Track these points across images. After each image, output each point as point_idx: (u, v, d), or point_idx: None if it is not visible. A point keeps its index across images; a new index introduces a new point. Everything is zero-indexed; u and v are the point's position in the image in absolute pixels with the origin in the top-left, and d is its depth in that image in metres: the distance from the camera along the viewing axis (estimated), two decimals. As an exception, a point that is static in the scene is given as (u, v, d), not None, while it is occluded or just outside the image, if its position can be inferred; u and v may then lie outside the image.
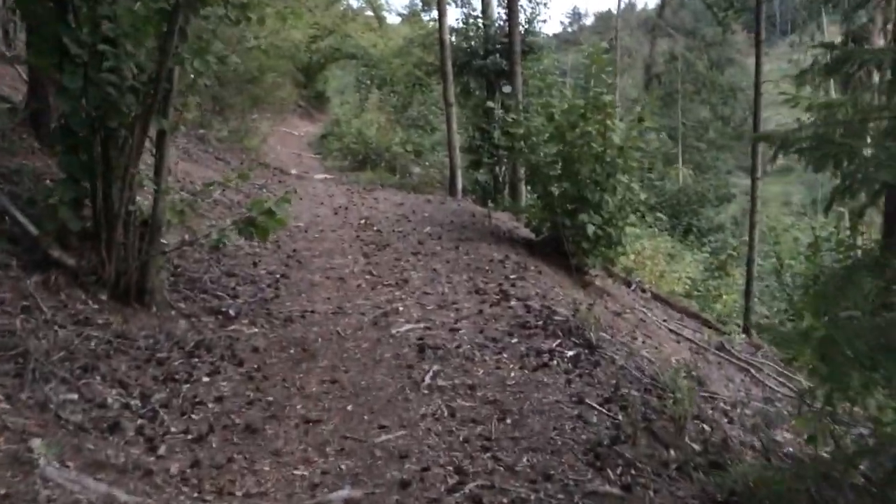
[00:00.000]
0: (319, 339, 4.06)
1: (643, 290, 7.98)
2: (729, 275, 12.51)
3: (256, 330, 4.10)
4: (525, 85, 9.41)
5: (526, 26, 11.70)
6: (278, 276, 5.16)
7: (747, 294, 9.13)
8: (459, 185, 10.18)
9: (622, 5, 23.70)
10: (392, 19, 29.30)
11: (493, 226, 7.58)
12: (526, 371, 3.73)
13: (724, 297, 9.95)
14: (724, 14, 23.92)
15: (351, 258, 5.93)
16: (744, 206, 31.06)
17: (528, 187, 6.90)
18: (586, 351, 4.06)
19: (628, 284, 7.69)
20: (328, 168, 14.02)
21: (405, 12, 26.20)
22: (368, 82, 21.13)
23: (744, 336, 7.33)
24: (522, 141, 6.81)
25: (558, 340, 4.14)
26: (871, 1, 21.96)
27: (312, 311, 4.50)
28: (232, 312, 4.24)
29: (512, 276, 5.48)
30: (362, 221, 7.47)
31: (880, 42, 21.37)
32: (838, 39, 25.19)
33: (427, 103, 19.84)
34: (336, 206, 8.30)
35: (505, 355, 3.91)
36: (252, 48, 11.05)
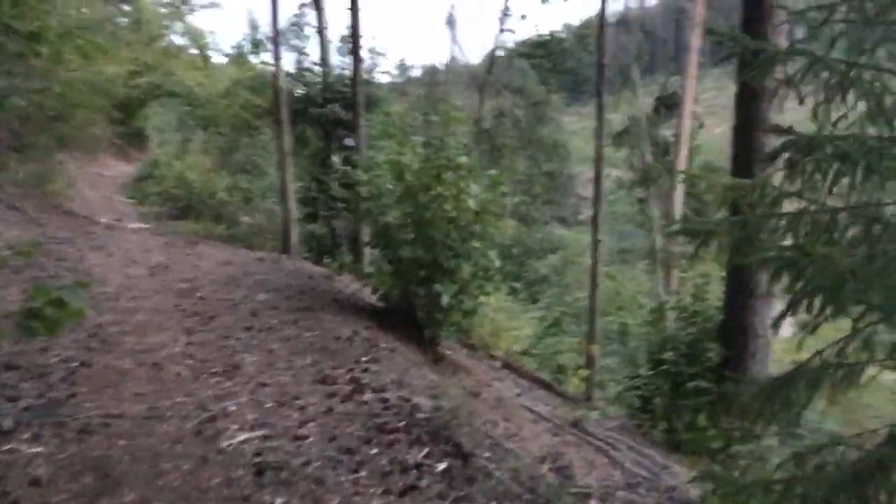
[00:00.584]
0: (126, 459, 3.16)
1: (493, 358, 7.56)
2: (564, 331, 12.47)
3: (41, 449, 3.13)
4: (369, 138, 8.87)
5: (366, 76, 11.24)
6: (76, 364, 4.16)
7: (590, 360, 8.97)
8: (294, 241, 9.41)
9: (449, 58, 23.93)
10: (219, 59, 27.99)
11: (336, 290, 6.89)
12: (392, 497, 3.06)
13: (576, 372, 9.76)
14: (549, 75, 24.81)
15: (170, 335, 5.00)
16: (564, 257, 32.15)
17: (377, 250, 6.27)
18: (459, 462, 3.46)
19: (484, 354, 7.23)
20: (145, 216, 12.69)
21: (232, 52, 25.06)
22: (192, 122, 19.85)
23: (596, 412, 7.04)
24: (369, 200, 6.20)
25: (425, 449, 3.51)
26: (683, 73, 23.40)
27: (119, 416, 3.57)
28: (7, 424, 3.26)
29: (364, 359, 4.80)
30: (184, 285, 6.52)
31: (689, 106, 22.82)
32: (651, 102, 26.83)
33: (256, 146, 18.88)
34: (153, 265, 7.26)
35: (364, 473, 3.22)
36: (58, 82, 9.78)
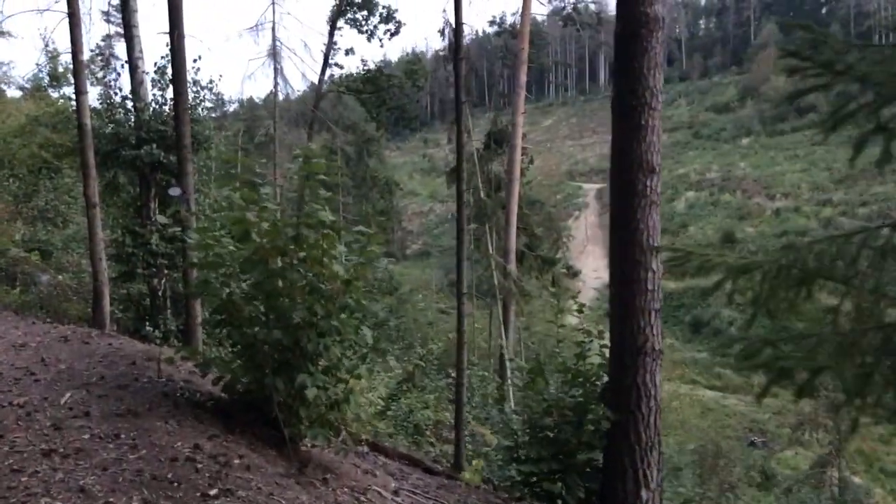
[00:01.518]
0: None
1: (360, 443, 6.48)
2: (416, 386, 11.58)
3: None
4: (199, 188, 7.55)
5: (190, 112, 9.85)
6: None
7: (457, 424, 8.08)
8: (107, 310, 7.87)
9: (273, 92, 22.66)
10: (12, 93, 25.06)
11: (165, 380, 5.55)
12: None
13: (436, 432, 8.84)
14: (377, 111, 24.14)
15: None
16: (399, 295, 31.46)
17: (218, 330, 5.05)
18: None
19: (352, 441, 6.11)
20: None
21: (28, 86, 22.43)
22: (-21, 165, 17.30)
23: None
24: (206, 268, 4.98)
25: None
26: (513, 109, 23.44)
27: None
28: None
29: (212, 493, 3.59)
30: (-45, 387, 4.98)
31: (519, 142, 22.89)
32: (482, 136, 26.84)
33: (57, 191, 16.70)
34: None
35: None
36: None
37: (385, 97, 22.62)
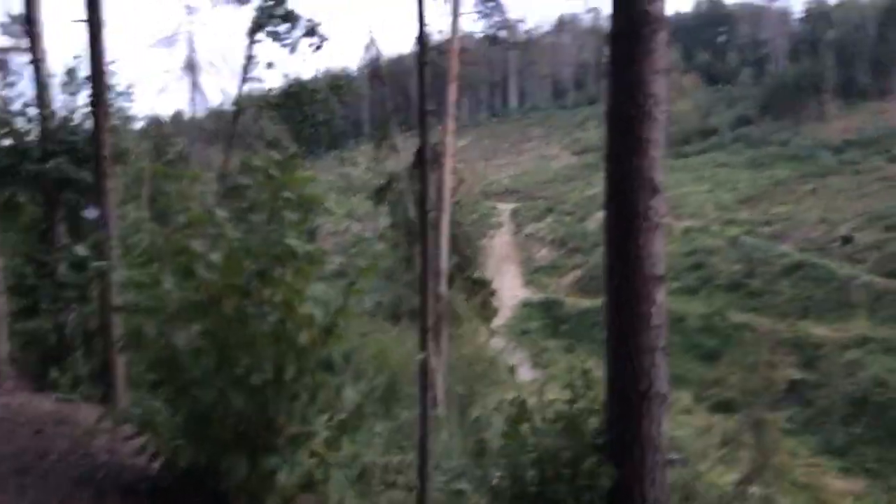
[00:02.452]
0: None
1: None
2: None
3: None
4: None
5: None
6: None
7: (421, 479, 7.06)
8: (4, 352, 6.54)
9: (189, 107, 21.28)
10: None
11: (82, 450, 4.37)
12: None
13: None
14: (300, 126, 23.00)
15: None
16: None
17: (155, 394, 3.95)
18: None
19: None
20: None
21: None
22: None
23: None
24: (139, 314, 3.88)
25: None
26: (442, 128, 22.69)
27: None
28: None
29: None
30: None
31: (450, 161, 22.16)
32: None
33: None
34: None
35: None
36: None
37: (308, 113, 21.54)
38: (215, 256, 3.77)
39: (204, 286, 3.77)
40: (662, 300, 5.70)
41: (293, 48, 21.77)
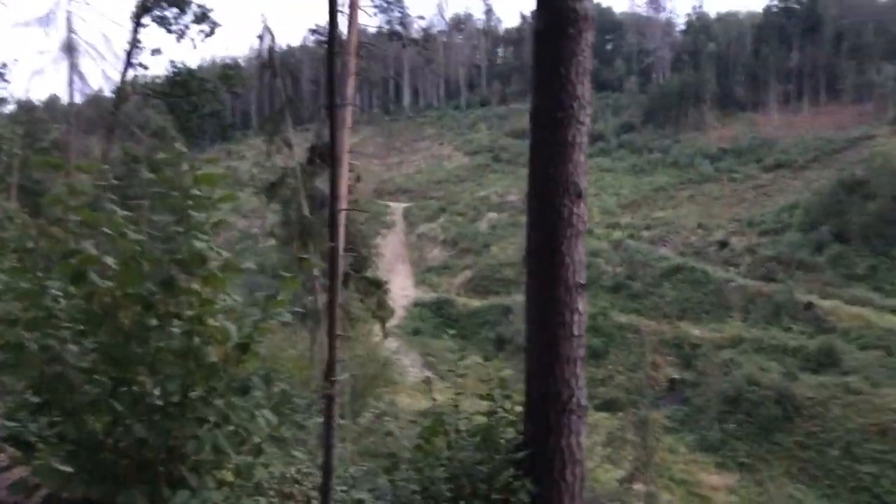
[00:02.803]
0: None
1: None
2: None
3: None
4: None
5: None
6: None
7: (324, 491, 6.65)
8: None
9: (68, 92, 19.81)
10: None
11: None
12: None
13: None
14: (187, 116, 21.95)
15: None
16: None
17: (41, 414, 3.41)
18: None
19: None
20: None
21: None
22: None
23: None
24: (28, 329, 3.34)
25: None
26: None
27: None
28: None
29: None
30: None
31: (346, 158, 21.69)
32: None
33: None
34: None
35: None
36: None
37: (197, 103, 20.54)
38: (111, 261, 3.29)
39: (98, 295, 3.29)
40: (585, 309, 5.54)
41: (182, 34, 20.72)
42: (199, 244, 3.29)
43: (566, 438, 5.40)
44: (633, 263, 60.79)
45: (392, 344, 39.44)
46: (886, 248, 56.56)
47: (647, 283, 59.16)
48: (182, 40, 21.03)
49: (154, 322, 3.24)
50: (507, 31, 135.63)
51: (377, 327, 24.17)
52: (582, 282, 5.48)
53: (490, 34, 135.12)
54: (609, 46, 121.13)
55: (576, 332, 5.43)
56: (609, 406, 39.95)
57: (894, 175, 59.97)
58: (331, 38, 6.81)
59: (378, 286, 22.15)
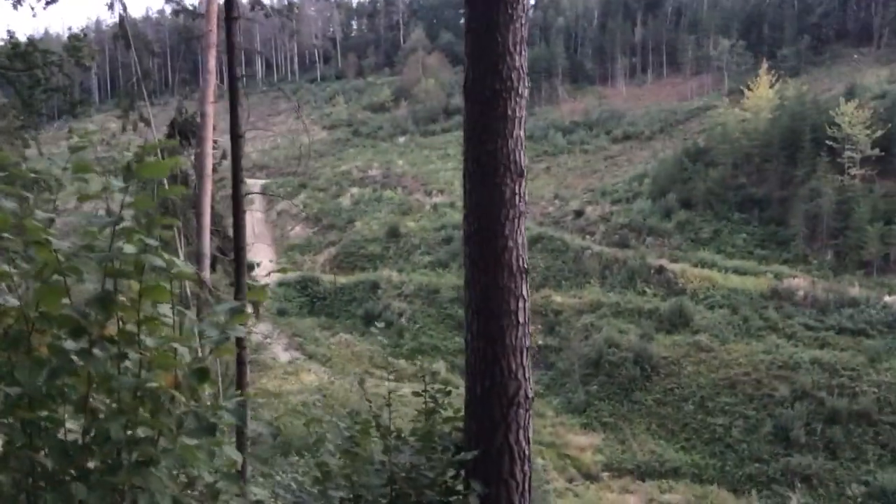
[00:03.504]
0: None
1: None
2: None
3: None
4: None
5: None
6: None
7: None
8: None
9: None
10: None
11: None
12: None
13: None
14: (30, 92, 19.85)
15: None
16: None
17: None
18: None
19: None
20: None
21: None
22: None
23: None
24: None
25: None
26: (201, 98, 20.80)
27: None
28: None
29: None
30: None
31: (210, 135, 20.44)
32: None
33: None
34: None
35: None
36: None
37: (40, 77, 18.52)
38: (25, 266, 2.60)
39: (2, 315, 2.59)
40: (528, 295, 5.20)
41: (19, 1, 18.61)
42: (129, 248, 2.65)
43: (514, 434, 5.05)
44: (495, 234, 61.77)
45: (262, 327, 38.19)
46: (728, 213, 60.39)
47: (510, 253, 60.30)
48: (20, 6, 18.89)
49: (82, 346, 2.58)
50: (360, 3, 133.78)
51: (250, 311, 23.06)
52: (526, 266, 5.12)
53: (343, 6, 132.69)
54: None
55: (522, 320, 5.07)
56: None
57: (733, 144, 64.00)
58: (228, 7, 6.08)
59: (249, 269, 21.05)
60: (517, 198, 5.06)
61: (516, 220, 5.06)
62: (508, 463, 5.04)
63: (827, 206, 53.44)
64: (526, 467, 5.10)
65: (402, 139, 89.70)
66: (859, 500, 33.87)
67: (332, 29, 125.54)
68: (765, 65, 71.15)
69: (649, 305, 49.06)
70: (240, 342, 4.81)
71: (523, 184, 5.12)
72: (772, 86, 67.45)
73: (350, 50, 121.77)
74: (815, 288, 47.68)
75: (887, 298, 45.42)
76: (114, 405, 2.57)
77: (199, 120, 20.56)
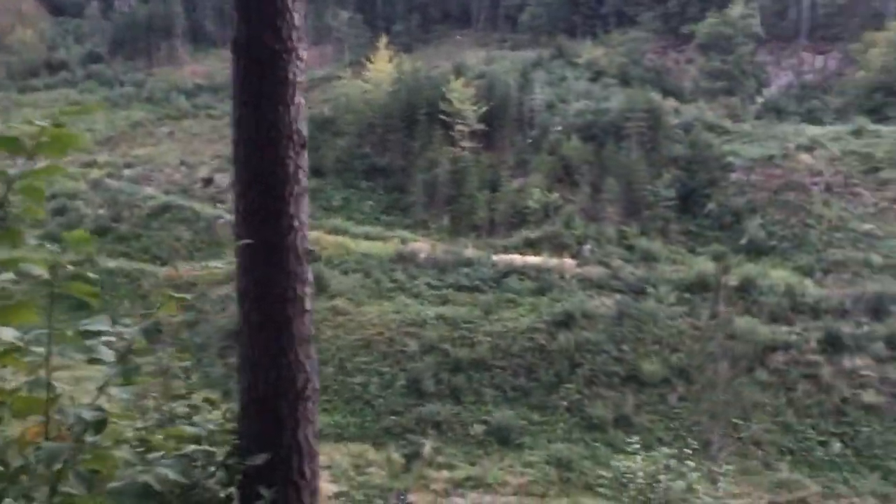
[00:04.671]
0: None
1: None
2: None
3: None
4: None
5: None
6: None
7: None
8: None
9: None
10: None
11: None
12: None
13: None
14: None
15: None
16: None
17: None
18: None
19: None
20: None
21: None
22: None
23: None
24: None
25: None
26: None
27: None
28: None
29: None
30: None
31: None
32: None
33: None
34: None
35: None
36: None
37: None
38: None
39: None
40: (312, 279, 4.77)
41: None
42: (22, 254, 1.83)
43: (302, 430, 4.61)
44: (117, 204, 57.08)
45: None
46: (356, 181, 62.95)
47: (135, 224, 56.24)
48: None
49: None
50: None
51: None
52: (309, 248, 4.68)
53: None
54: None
55: (308, 307, 4.63)
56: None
57: (357, 114, 66.63)
58: None
59: None
60: (300, 172, 4.57)
61: (300, 197, 4.57)
62: (298, 462, 4.59)
63: (442, 176, 58.44)
64: (314, 464, 4.71)
65: (-8, 96, 78.10)
66: (481, 437, 38.17)
67: None
68: (384, 39, 74.92)
69: (288, 273, 49.35)
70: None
71: (305, 156, 4.65)
72: (390, 60, 71.35)
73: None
74: (435, 250, 51.94)
75: (495, 257, 51.23)
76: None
77: None
